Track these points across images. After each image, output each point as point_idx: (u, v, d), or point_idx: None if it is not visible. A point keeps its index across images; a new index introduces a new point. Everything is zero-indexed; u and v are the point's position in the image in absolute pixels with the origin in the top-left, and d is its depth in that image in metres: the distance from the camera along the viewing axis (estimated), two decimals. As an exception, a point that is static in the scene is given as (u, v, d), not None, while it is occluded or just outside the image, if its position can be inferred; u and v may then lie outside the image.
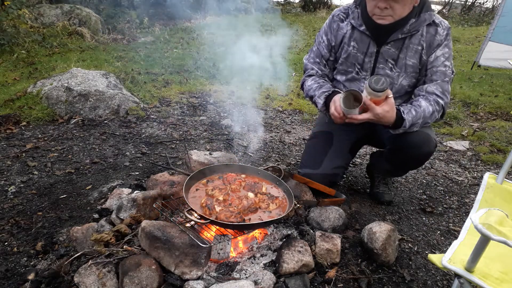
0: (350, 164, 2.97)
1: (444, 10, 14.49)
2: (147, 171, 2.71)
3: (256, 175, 2.17)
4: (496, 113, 4.54)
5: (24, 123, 3.46)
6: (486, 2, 14.62)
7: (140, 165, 2.83)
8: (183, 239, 1.64)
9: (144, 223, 1.71)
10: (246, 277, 1.62)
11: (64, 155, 2.94)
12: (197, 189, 1.97)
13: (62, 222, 2.09)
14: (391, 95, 1.78)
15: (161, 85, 4.78)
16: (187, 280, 1.57)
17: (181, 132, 3.50)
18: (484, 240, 1.00)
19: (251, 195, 1.94)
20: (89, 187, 2.47)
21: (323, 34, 2.17)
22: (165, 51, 6.54)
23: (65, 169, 2.69)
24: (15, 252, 1.85)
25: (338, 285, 1.70)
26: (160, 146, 3.19)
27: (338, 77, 2.20)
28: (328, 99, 2.01)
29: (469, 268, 1.10)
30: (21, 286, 1.62)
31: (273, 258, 1.76)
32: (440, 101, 1.96)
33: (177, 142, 3.29)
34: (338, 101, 1.86)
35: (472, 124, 4.22)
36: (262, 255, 1.78)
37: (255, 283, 1.56)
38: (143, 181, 2.50)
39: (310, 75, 2.22)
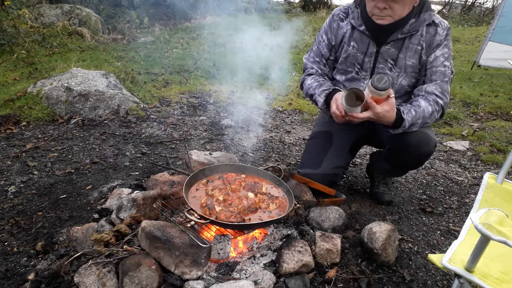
0: (350, 164, 2.97)
1: (444, 10, 14.49)
2: (147, 171, 2.71)
3: (256, 175, 2.17)
4: (496, 113, 4.54)
5: (24, 123, 3.46)
6: (486, 2, 14.63)
7: (140, 165, 2.83)
8: (183, 239, 1.64)
9: (144, 223, 1.71)
10: (246, 277, 1.62)
11: (64, 155, 2.94)
12: (197, 189, 1.97)
13: (62, 222, 2.09)
14: (392, 95, 1.78)
15: (161, 85, 4.79)
16: (187, 280, 1.57)
17: (181, 132, 3.50)
18: (484, 240, 1.00)
19: (251, 195, 1.94)
20: (89, 187, 2.47)
21: (323, 33, 2.17)
22: (165, 51, 6.54)
23: (65, 169, 2.69)
24: (15, 252, 1.85)
25: (338, 285, 1.70)
26: (160, 146, 3.20)
27: (338, 77, 2.20)
28: (328, 97, 2.01)
29: (469, 268, 1.10)
30: (21, 286, 1.62)
31: (273, 258, 1.76)
32: (440, 101, 1.96)
33: (177, 142, 3.29)
34: (340, 99, 1.85)
35: (472, 124, 4.22)
36: (262, 255, 1.78)
37: (255, 283, 1.56)
38: (143, 181, 2.50)
39: (309, 74, 2.22)
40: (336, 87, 2.09)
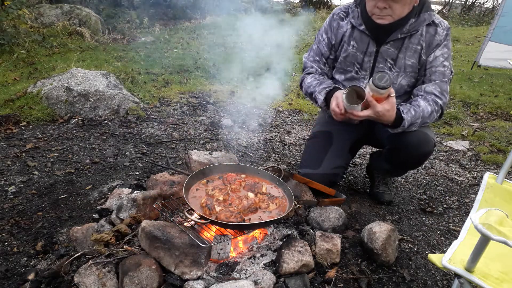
0: (350, 164, 2.97)
1: (444, 10, 14.48)
2: (147, 171, 2.71)
3: (256, 175, 2.17)
4: (496, 113, 4.54)
5: (24, 123, 3.46)
6: (486, 2, 14.63)
7: (140, 165, 2.83)
8: (183, 239, 1.64)
9: (144, 223, 1.71)
10: (246, 277, 1.62)
11: (64, 155, 2.94)
12: (197, 189, 1.97)
13: (62, 222, 2.09)
14: (393, 94, 1.78)
15: (161, 85, 4.79)
16: (187, 280, 1.57)
17: (181, 132, 3.50)
18: (484, 240, 1.00)
19: (251, 195, 1.94)
20: (89, 187, 2.47)
21: (323, 32, 2.17)
22: (165, 51, 6.54)
23: (65, 169, 2.69)
24: (15, 252, 1.85)
25: (338, 285, 1.70)
26: (160, 146, 3.20)
27: (337, 76, 2.20)
28: (328, 95, 2.01)
29: (469, 268, 1.10)
30: (21, 286, 1.62)
31: (273, 258, 1.76)
32: (439, 101, 1.96)
33: (177, 142, 3.29)
34: (340, 96, 1.85)
35: (472, 124, 4.22)
36: (262, 255, 1.78)
37: (255, 283, 1.56)
38: (143, 181, 2.50)
39: (309, 73, 2.22)
40: (337, 85, 2.09)
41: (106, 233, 1.73)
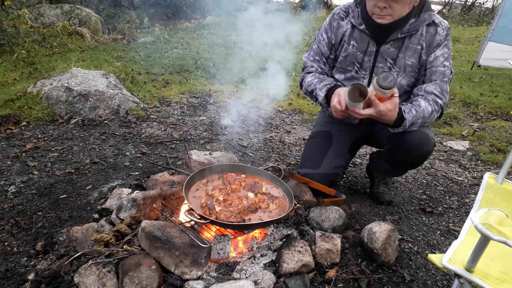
0: (350, 164, 2.97)
1: (444, 10, 14.49)
2: (147, 171, 2.71)
3: (256, 175, 2.17)
4: (496, 113, 4.54)
5: (24, 123, 3.46)
6: (486, 2, 14.63)
7: (140, 165, 2.83)
8: (183, 239, 1.64)
9: (144, 223, 1.71)
10: (246, 277, 1.62)
11: (64, 155, 2.94)
12: (197, 189, 1.97)
13: (62, 222, 2.09)
14: (396, 94, 1.77)
15: (161, 85, 4.79)
16: (187, 280, 1.57)
17: (181, 132, 3.50)
18: (484, 240, 1.00)
19: (251, 195, 1.94)
20: (89, 187, 2.47)
21: (323, 32, 2.17)
22: (165, 51, 6.55)
23: (65, 169, 2.69)
24: (15, 252, 1.85)
25: (338, 285, 1.70)
26: (160, 146, 3.20)
27: (337, 76, 2.20)
28: (329, 92, 2.01)
29: (469, 268, 1.10)
30: (21, 286, 1.62)
31: (273, 258, 1.76)
32: (439, 101, 1.96)
33: (177, 142, 3.29)
34: (342, 93, 1.85)
35: (472, 124, 4.22)
36: (262, 255, 1.78)
37: (255, 283, 1.56)
38: (143, 181, 2.50)
39: (309, 72, 2.22)
40: (338, 83, 2.09)
41: (106, 233, 1.73)
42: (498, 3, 11.07)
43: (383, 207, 2.44)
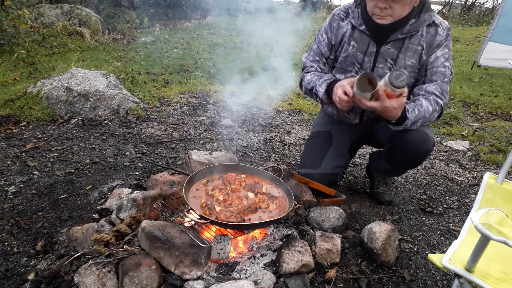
0: (350, 164, 2.97)
1: (444, 10, 14.49)
2: (147, 171, 2.71)
3: (256, 175, 2.17)
4: (496, 113, 4.54)
5: (24, 123, 3.46)
6: (486, 2, 14.63)
7: (140, 165, 2.83)
8: (183, 239, 1.64)
9: (144, 223, 1.71)
10: (246, 277, 1.62)
11: (64, 155, 2.94)
12: (197, 189, 1.97)
13: (62, 222, 2.09)
14: (405, 94, 1.77)
15: (161, 85, 4.79)
16: (187, 280, 1.57)
17: (181, 132, 3.50)
18: (484, 240, 1.00)
19: (251, 195, 1.94)
20: (89, 187, 2.47)
21: (323, 32, 2.17)
22: (165, 51, 6.55)
23: (65, 169, 2.69)
24: (15, 252, 1.85)
25: (338, 285, 1.70)
26: (160, 146, 3.20)
27: (337, 76, 2.20)
28: (330, 87, 2.01)
29: (469, 268, 1.10)
30: (21, 286, 1.62)
31: (273, 258, 1.76)
32: (440, 101, 1.96)
33: (177, 142, 3.29)
34: (347, 84, 1.84)
35: (472, 124, 4.22)
36: (262, 255, 1.78)
37: (255, 283, 1.56)
38: (143, 181, 2.50)
39: (308, 72, 2.22)
40: (338, 78, 2.09)
41: (106, 233, 1.73)
42: (498, 3, 11.07)
43: (383, 207, 2.44)
